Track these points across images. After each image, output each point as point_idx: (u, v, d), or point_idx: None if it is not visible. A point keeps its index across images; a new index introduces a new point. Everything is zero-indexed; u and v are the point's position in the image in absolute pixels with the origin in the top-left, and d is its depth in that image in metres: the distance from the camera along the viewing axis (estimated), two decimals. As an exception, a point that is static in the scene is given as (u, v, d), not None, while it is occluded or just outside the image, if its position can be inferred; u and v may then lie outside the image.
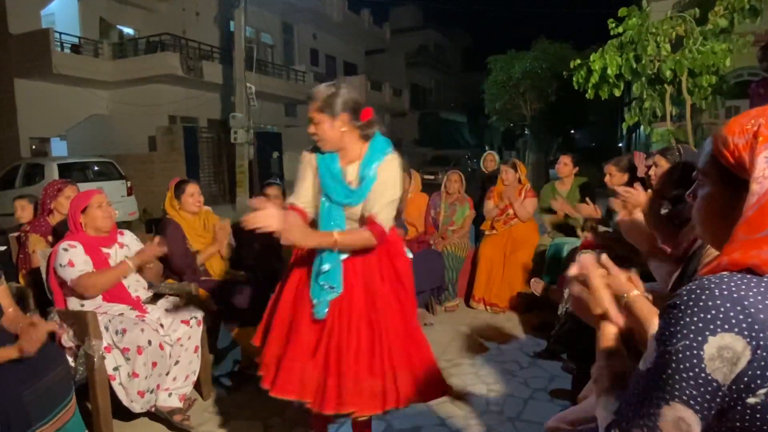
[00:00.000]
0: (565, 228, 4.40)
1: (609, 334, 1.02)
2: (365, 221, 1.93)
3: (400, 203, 2.08)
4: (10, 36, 13.68)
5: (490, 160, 5.75)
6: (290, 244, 1.79)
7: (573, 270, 1.07)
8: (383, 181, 1.93)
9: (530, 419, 2.61)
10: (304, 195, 2.06)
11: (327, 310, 1.93)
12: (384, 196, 1.93)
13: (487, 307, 4.40)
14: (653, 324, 1.26)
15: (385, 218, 1.92)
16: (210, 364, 2.98)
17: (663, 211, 2.25)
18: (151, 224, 8.30)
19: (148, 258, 2.66)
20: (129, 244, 2.75)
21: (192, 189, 3.33)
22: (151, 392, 2.44)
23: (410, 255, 2.16)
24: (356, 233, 1.92)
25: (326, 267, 1.91)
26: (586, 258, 1.07)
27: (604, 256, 1.30)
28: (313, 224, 2.03)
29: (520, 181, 4.49)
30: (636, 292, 1.29)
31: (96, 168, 10.82)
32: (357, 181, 1.96)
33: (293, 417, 2.67)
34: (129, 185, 10.70)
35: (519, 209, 4.39)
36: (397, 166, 1.98)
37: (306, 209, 2.05)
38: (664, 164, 2.78)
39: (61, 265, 2.48)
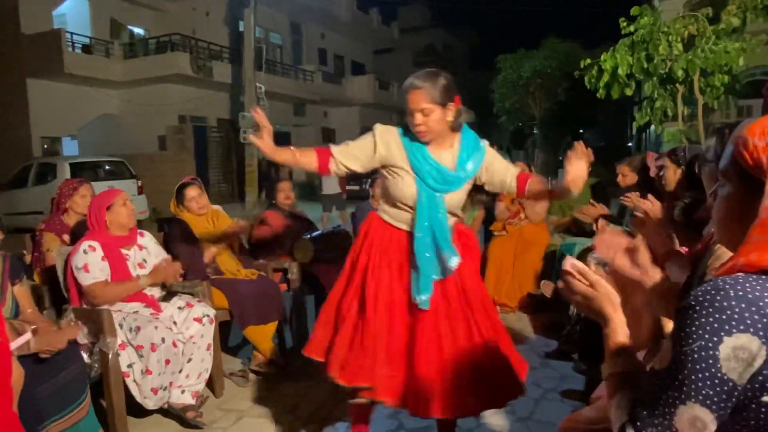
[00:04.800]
0: (575, 228, 4.39)
1: (616, 331, 1.02)
2: (517, 179, 2.01)
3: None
4: (22, 36, 13.80)
5: None
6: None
7: (567, 267, 1.07)
8: (498, 159, 2.05)
9: (542, 419, 2.60)
10: (350, 159, 1.99)
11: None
12: (507, 163, 2.07)
13: (497, 307, 4.40)
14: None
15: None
16: (222, 362, 3.00)
17: (676, 214, 2.24)
18: (162, 223, 8.35)
19: (161, 279, 2.67)
20: (148, 246, 2.78)
21: (192, 193, 3.25)
22: (164, 389, 2.47)
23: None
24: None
25: (455, 260, 1.94)
26: (574, 261, 1.07)
27: (639, 240, 1.27)
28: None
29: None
30: None
31: (107, 167, 10.91)
32: (458, 168, 1.98)
33: (304, 415, 2.69)
34: (139, 184, 10.78)
35: (531, 212, 4.38)
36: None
37: (340, 161, 1.99)
38: (670, 166, 2.78)
39: (77, 267, 2.51)
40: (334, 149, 2.01)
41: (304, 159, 1.99)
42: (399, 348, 1.95)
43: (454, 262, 1.94)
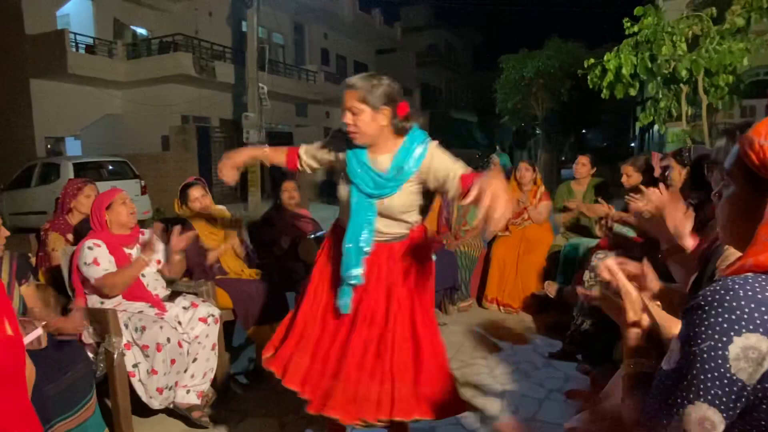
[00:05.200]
0: (579, 228, 4.38)
1: (636, 335, 1.03)
2: (458, 182, 1.81)
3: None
4: (26, 37, 13.86)
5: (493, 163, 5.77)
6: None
7: (604, 275, 1.09)
8: (439, 159, 1.87)
9: (545, 420, 2.60)
10: (312, 158, 2.11)
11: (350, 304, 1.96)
12: (451, 163, 1.86)
13: (500, 307, 4.40)
14: (671, 327, 1.27)
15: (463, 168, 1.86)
16: (227, 362, 3.01)
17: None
18: (165, 223, 8.35)
19: (154, 250, 2.66)
20: (151, 243, 2.79)
21: (195, 193, 3.26)
22: (170, 389, 2.48)
23: (433, 257, 2.14)
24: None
25: (356, 272, 1.92)
26: (611, 263, 1.09)
27: (647, 264, 1.29)
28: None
29: (535, 182, 4.48)
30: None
31: (110, 167, 10.94)
32: (389, 171, 1.88)
33: (309, 415, 2.68)
34: (143, 184, 10.81)
35: (534, 213, 4.38)
36: (444, 151, 1.90)
37: (304, 159, 2.13)
38: (675, 166, 2.79)
39: (85, 263, 2.52)
40: (301, 149, 2.13)
41: (275, 156, 2.16)
42: (325, 344, 1.99)
43: (356, 273, 1.90)
